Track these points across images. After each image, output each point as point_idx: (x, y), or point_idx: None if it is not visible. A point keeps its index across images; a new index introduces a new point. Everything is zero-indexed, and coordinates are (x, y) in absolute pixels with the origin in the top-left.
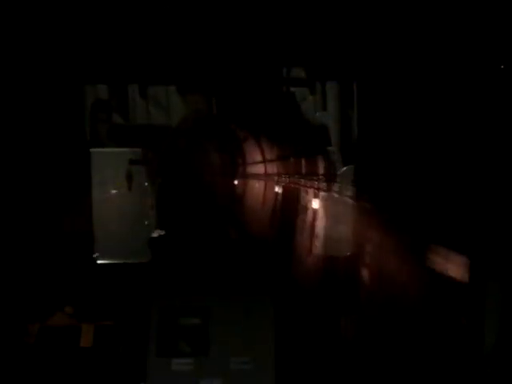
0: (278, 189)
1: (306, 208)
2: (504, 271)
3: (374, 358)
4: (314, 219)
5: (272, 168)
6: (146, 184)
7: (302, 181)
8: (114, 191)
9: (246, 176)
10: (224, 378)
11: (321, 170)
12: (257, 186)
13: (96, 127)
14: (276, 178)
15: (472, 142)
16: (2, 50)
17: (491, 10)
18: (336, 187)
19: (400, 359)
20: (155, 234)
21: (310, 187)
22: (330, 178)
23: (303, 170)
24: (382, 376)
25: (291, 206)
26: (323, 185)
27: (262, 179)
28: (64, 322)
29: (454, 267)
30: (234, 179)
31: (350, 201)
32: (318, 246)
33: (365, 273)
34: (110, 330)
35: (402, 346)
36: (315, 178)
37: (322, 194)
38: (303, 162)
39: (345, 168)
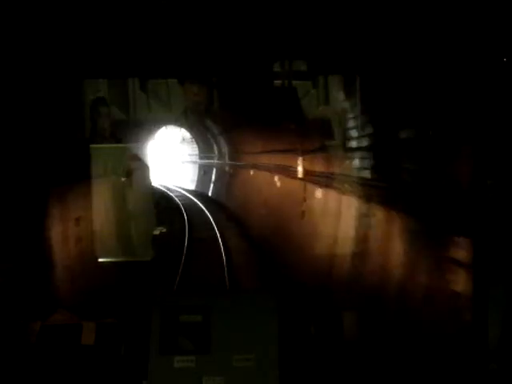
0: (278, 183)
1: (309, 203)
2: (508, 266)
3: (378, 356)
4: (319, 215)
5: (274, 162)
6: (148, 181)
7: (305, 176)
8: (114, 188)
9: (246, 169)
10: (227, 375)
11: (323, 165)
12: (257, 181)
13: (96, 122)
14: (277, 172)
15: (474, 138)
16: (1, 45)
17: (493, 3)
18: (340, 182)
19: (403, 355)
20: (157, 232)
21: (313, 182)
22: (334, 172)
23: (305, 165)
24: (385, 373)
25: (294, 200)
26: (327, 179)
27: (263, 172)
28: (65, 320)
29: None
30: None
31: (355, 196)
32: (321, 241)
33: (371, 269)
34: (112, 328)
35: (405, 342)
36: (318, 172)
37: (325, 189)
38: (305, 156)
39: (348, 163)
